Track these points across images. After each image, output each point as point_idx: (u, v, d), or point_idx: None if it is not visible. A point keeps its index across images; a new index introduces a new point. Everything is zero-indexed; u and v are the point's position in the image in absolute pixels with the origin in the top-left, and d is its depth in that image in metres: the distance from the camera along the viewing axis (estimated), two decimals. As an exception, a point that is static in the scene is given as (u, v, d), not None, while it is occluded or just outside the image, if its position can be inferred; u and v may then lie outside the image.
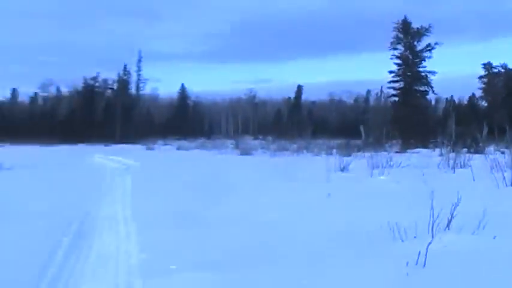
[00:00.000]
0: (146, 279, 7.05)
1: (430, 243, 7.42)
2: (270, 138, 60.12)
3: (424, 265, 7.03)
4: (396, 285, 6.45)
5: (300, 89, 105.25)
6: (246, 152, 42.61)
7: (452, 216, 9.14)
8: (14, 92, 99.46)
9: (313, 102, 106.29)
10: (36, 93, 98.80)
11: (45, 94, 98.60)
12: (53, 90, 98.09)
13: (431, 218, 8.59)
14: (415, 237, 8.48)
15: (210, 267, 7.46)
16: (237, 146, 49.01)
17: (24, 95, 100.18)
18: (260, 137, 68.86)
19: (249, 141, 57.91)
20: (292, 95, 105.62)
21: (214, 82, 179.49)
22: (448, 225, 9.04)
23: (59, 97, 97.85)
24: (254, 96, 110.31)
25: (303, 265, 7.51)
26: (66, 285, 6.95)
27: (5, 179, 21.46)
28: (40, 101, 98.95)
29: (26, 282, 6.92)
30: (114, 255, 8.53)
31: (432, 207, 8.75)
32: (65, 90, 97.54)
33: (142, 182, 20.26)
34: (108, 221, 11.93)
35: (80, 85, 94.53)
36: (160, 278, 7.06)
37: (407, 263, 7.10)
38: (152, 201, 14.74)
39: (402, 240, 8.48)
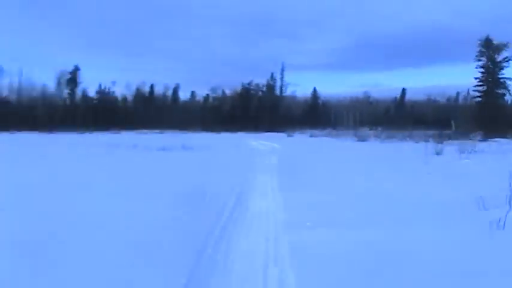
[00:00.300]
0: (290, 230, 7.35)
1: (508, 211, 7.32)
2: (380, 129, 58.97)
3: (504, 228, 6.96)
4: (482, 242, 6.46)
5: (404, 91, 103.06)
6: (362, 139, 42.17)
7: (526, 192, 8.93)
8: (193, 93, 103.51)
9: (414, 102, 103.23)
10: (208, 94, 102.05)
11: (214, 95, 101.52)
12: (219, 92, 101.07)
13: (510, 192, 8.43)
14: (496, 207, 8.34)
15: (337, 225, 7.63)
16: (355, 135, 48.51)
17: (199, 96, 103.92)
18: (373, 128, 67.56)
19: (364, 131, 57.12)
20: (398, 96, 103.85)
21: (338, 86, 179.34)
22: (523, 199, 8.84)
23: (224, 97, 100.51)
24: (369, 97, 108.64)
25: (408, 225, 7.60)
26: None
27: (190, 156, 22.65)
28: (210, 100, 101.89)
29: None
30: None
31: (510, 184, 8.59)
32: (228, 91, 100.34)
33: (285, 158, 20.65)
34: (260, 179, 12.53)
35: (239, 88, 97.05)
36: (300, 231, 7.27)
37: (490, 226, 7.06)
38: (291, 171, 14.90)
39: (486, 209, 8.38)
